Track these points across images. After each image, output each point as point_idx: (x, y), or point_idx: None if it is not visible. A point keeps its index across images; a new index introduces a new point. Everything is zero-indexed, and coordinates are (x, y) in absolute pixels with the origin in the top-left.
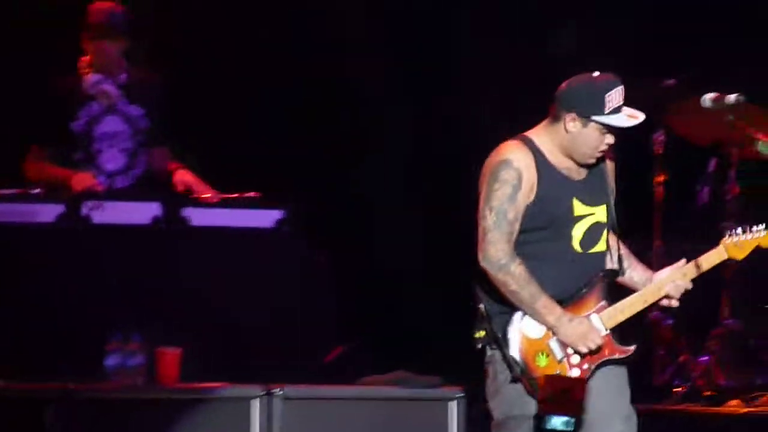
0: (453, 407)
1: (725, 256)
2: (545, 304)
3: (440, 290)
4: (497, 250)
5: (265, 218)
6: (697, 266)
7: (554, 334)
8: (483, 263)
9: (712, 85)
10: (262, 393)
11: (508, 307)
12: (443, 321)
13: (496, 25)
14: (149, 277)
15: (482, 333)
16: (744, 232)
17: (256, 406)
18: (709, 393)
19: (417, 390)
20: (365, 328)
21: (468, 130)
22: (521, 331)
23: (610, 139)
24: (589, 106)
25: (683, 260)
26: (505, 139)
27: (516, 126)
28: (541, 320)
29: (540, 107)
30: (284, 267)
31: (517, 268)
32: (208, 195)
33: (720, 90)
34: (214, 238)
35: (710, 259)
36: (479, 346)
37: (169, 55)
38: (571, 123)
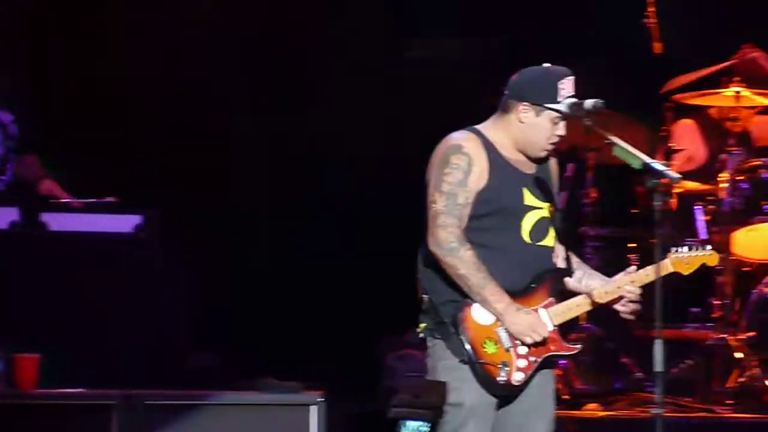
0: (314, 411)
1: (670, 270)
2: (494, 291)
3: (303, 296)
4: (448, 234)
5: (124, 223)
6: (646, 276)
7: (501, 322)
8: (432, 247)
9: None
10: (121, 399)
11: (458, 294)
12: (305, 326)
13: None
14: (7, 282)
15: (424, 324)
16: (690, 249)
17: (115, 413)
18: (566, 397)
19: (277, 395)
20: (225, 334)
21: (323, 138)
22: (470, 317)
23: (561, 129)
24: (542, 95)
25: (633, 267)
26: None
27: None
28: (488, 307)
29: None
30: (143, 272)
31: (467, 253)
32: (67, 200)
33: (577, 96)
34: (73, 243)
35: (656, 271)
36: (421, 336)
37: (28, 61)
38: (524, 113)
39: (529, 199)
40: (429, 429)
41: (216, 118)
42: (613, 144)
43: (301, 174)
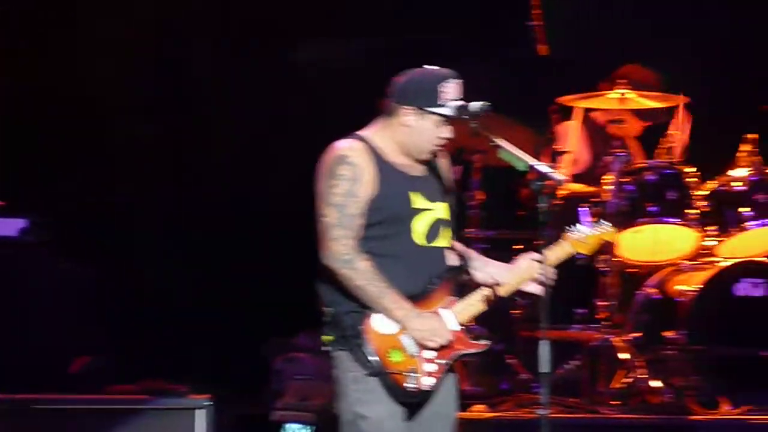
0: (200, 415)
1: (572, 251)
2: (393, 299)
3: (190, 299)
4: (341, 246)
5: (9, 227)
6: (545, 259)
7: (403, 329)
8: (326, 261)
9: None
10: (7, 404)
11: (359, 305)
12: (193, 329)
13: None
14: None
15: (329, 337)
16: (587, 227)
17: (1, 418)
18: None
19: (163, 399)
20: (113, 337)
21: (207, 140)
22: (372, 327)
23: (446, 132)
24: (424, 98)
25: (534, 254)
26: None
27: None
28: (389, 316)
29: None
30: (29, 276)
31: (362, 264)
32: None
33: (463, 98)
34: None
35: (557, 253)
36: (324, 348)
37: None
38: (406, 116)
39: (418, 201)
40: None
41: (105, 120)
42: (499, 146)
43: (190, 176)
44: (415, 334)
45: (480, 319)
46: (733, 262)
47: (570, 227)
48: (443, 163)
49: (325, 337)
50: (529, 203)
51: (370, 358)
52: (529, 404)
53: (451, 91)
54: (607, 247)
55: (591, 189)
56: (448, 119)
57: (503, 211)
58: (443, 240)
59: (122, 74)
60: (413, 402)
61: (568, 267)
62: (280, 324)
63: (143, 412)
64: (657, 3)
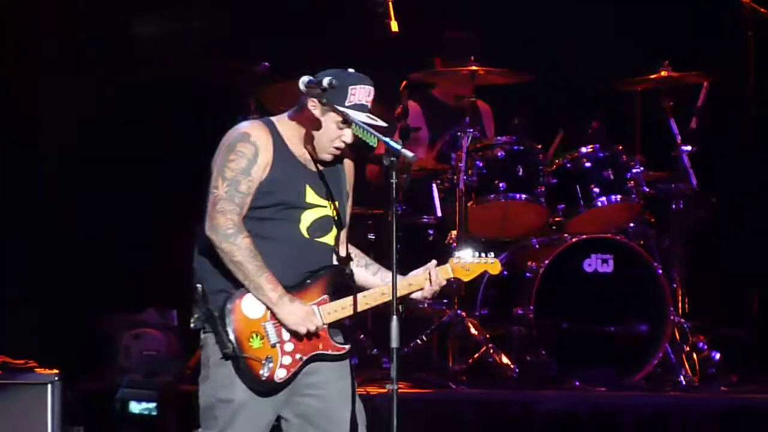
0: (50, 390)
1: (450, 275)
2: (269, 279)
3: (37, 273)
4: (226, 220)
5: None
6: (423, 278)
7: (273, 312)
8: (209, 232)
9: (306, 69)
10: None
11: (230, 284)
12: (39, 304)
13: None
14: None
15: (197, 315)
16: (473, 257)
17: None
18: None
19: (11, 374)
20: None
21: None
22: (240, 308)
23: (347, 136)
24: (331, 94)
25: (433, 262)
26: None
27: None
28: (262, 296)
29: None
30: None
31: (244, 240)
32: None
33: (312, 72)
34: None
35: (437, 274)
36: (192, 326)
37: None
38: (312, 108)
39: (310, 196)
40: (157, 407)
41: None
42: (351, 121)
43: (34, 157)
44: (285, 319)
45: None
46: (581, 238)
47: (456, 254)
48: (348, 165)
49: (194, 316)
50: (377, 180)
51: (230, 338)
52: (378, 379)
53: (360, 95)
54: (456, 222)
55: (441, 166)
56: (348, 121)
57: (356, 187)
58: (329, 238)
59: None
60: (264, 390)
61: (418, 242)
62: (127, 299)
63: None
64: None
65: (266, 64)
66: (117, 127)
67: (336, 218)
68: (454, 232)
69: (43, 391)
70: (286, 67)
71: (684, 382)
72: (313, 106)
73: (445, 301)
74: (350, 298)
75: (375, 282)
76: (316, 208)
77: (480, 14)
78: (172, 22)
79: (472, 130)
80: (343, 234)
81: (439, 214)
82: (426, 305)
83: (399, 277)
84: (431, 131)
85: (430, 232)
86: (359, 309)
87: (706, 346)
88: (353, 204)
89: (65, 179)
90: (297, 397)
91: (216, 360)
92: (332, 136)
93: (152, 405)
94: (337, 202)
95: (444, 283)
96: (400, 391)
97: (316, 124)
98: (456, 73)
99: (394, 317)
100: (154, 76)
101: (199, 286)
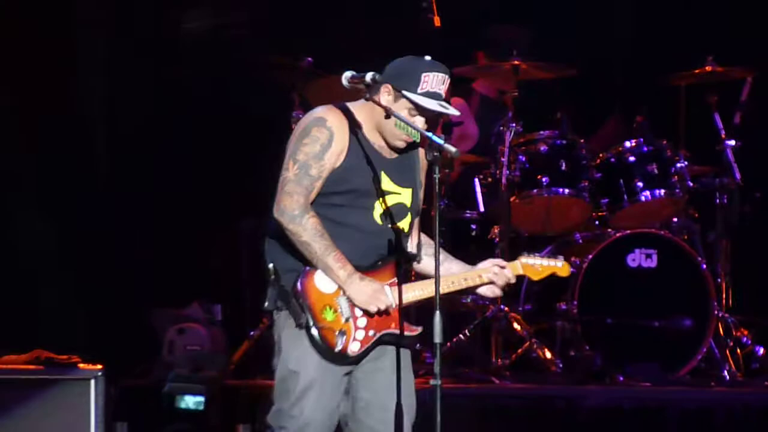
0: (93, 386)
1: (520, 272)
2: (337, 258)
3: (77, 268)
4: (292, 201)
5: None
6: (494, 274)
7: (343, 290)
8: (276, 214)
9: (349, 64)
10: None
11: (300, 264)
12: (81, 299)
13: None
14: None
15: (269, 294)
16: (543, 258)
17: None
18: None
19: (57, 369)
20: None
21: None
22: (313, 282)
23: (419, 122)
24: (403, 81)
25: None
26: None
27: None
28: (332, 275)
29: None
30: None
31: (310, 221)
32: None
33: (357, 69)
34: None
35: (506, 271)
36: (266, 306)
37: None
38: (385, 95)
39: (386, 184)
40: (204, 402)
41: None
42: (394, 117)
43: (69, 146)
44: (354, 297)
45: None
46: (625, 233)
47: (527, 253)
48: (422, 161)
49: (268, 295)
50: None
51: (305, 311)
52: (422, 374)
53: (433, 82)
54: (500, 217)
55: (483, 160)
56: (420, 109)
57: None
58: (403, 224)
59: None
60: (337, 363)
61: (462, 237)
62: (172, 294)
63: (37, 382)
64: None
65: (309, 59)
66: (161, 122)
67: (410, 205)
68: (497, 228)
69: (87, 386)
70: (329, 62)
71: (728, 377)
72: (386, 91)
73: None
74: (422, 283)
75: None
76: (391, 195)
77: (522, 8)
78: (215, 17)
79: (514, 124)
80: (416, 221)
81: (482, 209)
82: (469, 300)
83: (468, 268)
84: (475, 128)
85: (473, 227)
86: (427, 296)
87: (750, 341)
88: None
89: (111, 175)
90: (360, 381)
91: (289, 333)
92: (396, 127)
93: (200, 399)
94: (411, 189)
95: (513, 279)
96: (443, 386)
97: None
98: (499, 68)
99: (437, 312)
100: (198, 71)
101: (271, 265)
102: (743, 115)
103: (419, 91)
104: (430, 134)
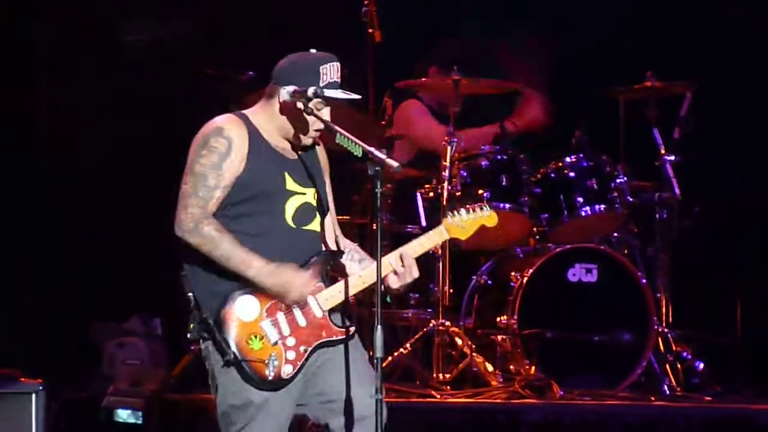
0: (33, 400)
1: (446, 237)
2: (241, 259)
3: (19, 282)
4: (188, 214)
5: None
6: (420, 246)
7: (266, 314)
8: (176, 230)
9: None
10: None
11: (219, 286)
12: (21, 313)
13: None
14: None
15: (192, 325)
16: (467, 212)
17: None
18: None
19: None
20: None
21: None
22: (234, 313)
23: (325, 115)
24: (304, 79)
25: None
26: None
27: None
28: (245, 275)
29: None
30: None
31: (207, 228)
32: None
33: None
34: None
35: (432, 238)
36: (189, 336)
37: None
38: (286, 97)
39: (290, 184)
40: (143, 416)
41: None
42: (335, 132)
43: (12, 156)
44: (272, 291)
45: None
46: (565, 248)
47: (450, 211)
48: (320, 151)
49: (190, 326)
50: (364, 188)
51: (231, 346)
52: None
53: (331, 73)
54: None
55: (425, 174)
56: (327, 101)
57: (341, 196)
58: (315, 224)
59: None
60: (272, 389)
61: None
62: (112, 307)
63: None
64: None
65: (251, 72)
66: (103, 132)
67: (318, 204)
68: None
69: (28, 400)
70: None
71: (668, 392)
72: (287, 92)
73: (429, 310)
74: (343, 283)
75: (353, 269)
76: (297, 195)
77: (465, 22)
78: (160, 29)
79: (456, 139)
80: (328, 220)
81: (424, 223)
82: (410, 314)
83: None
84: (425, 138)
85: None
86: (358, 289)
87: (690, 356)
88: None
89: (51, 184)
90: (313, 378)
91: (220, 368)
92: (312, 119)
93: (138, 414)
94: (317, 188)
95: (413, 263)
96: (384, 400)
97: (295, 113)
98: (441, 83)
99: (378, 326)
100: (143, 78)
101: (190, 294)
102: (682, 130)
103: (322, 84)
104: (372, 149)
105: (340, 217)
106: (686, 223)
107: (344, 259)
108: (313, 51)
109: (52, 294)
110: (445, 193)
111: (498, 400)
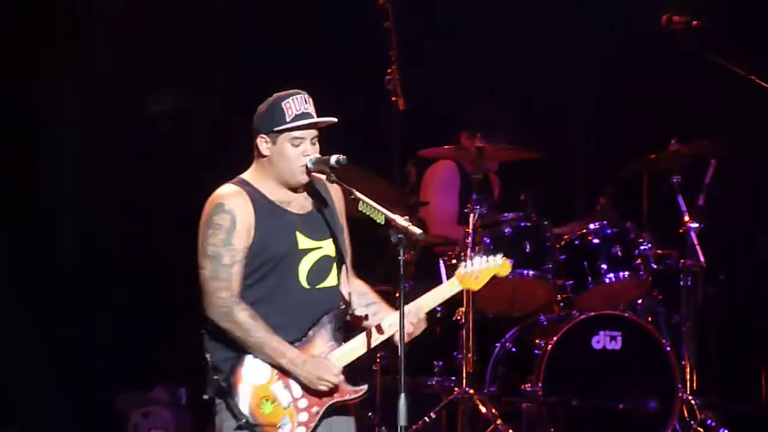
0: None
1: (460, 288)
2: (273, 348)
3: (42, 345)
4: (218, 299)
5: None
6: (433, 299)
7: (277, 377)
8: (208, 314)
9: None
10: None
11: (233, 353)
12: (44, 377)
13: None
14: None
15: (209, 385)
16: (480, 262)
17: None
18: None
19: None
20: None
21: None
22: (245, 378)
23: (308, 149)
24: (272, 121)
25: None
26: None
27: None
28: (275, 364)
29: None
30: None
31: (241, 314)
32: None
33: (322, 152)
34: None
35: (443, 292)
36: (205, 397)
37: None
38: (264, 145)
39: (303, 242)
40: None
41: None
42: (358, 199)
43: (40, 225)
44: (303, 381)
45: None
46: (589, 315)
47: (464, 261)
48: (334, 192)
49: (207, 386)
50: (389, 255)
51: (243, 410)
52: None
53: (295, 105)
54: (464, 299)
55: (448, 240)
56: (298, 129)
57: (364, 263)
58: (331, 280)
59: None
60: None
61: (427, 318)
62: (136, 377)
63: None
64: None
65: None
66: (127, 194)
67: (334, 255)
68: (462, 309)
69: None
70: None
71: None
72: (262, 141)
73: (453, 378)
74: (360, 337)
75: (372, 323)
76: (311, 252)
77: (481, 88)
78: (182, 99)
79: (478, 207)
80: (346, 269)
81: None
82: (434, 382)
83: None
84: (450, 204)
85: (438, 308)
86: (373, 345)
87: (714, 423)
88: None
89: (76, 251)
90: None
91: (230, 426)
92: (295, 156)
93: None
94: (331, 239)
95: (422, 318)
96: None
97: (275, 157)
98: (463, 151)
99: (402, 395)
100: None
101: (207, 356)
102: (707, 197)
103: (288, 119)
104: (394, 216)
105: None
106: (711, 290)
107: (358, 311)
108: (276, 94)
109: (78, 363)
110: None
111: None
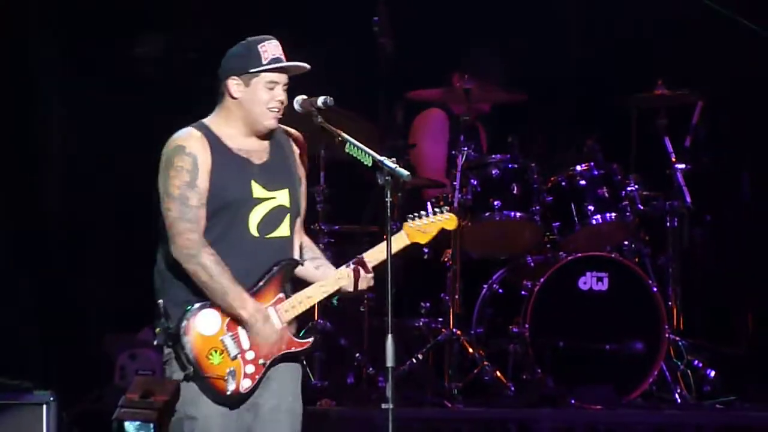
0: (45, 411)
1: (407, 242)
2: (235, 297)
3: (30, 293)
4: (186, 240)
5: None
6: (380, 252)
7: (227, 327)
8: (174, 255)
9: (299, 88)
10: None
11: (190, 296)
12: (33, 324)
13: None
14: None
15: (158, 331)
16: (427, 216)
17: None
18: None
19: (8, 395)
20: None
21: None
22: (194, 328)
23: (280, 94)
24: (246, 62)
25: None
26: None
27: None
28: (234, 313)
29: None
30: None
31: (208, 258)
32: None
33: (307, 92)
34: None
35: (393, 244)
36: (156, 342)
37: None
38: (235, 87)
39: (258, 191)
40: (154, 427)
41: None
42: (345, 141)
43: (25, 170)
44: (256, 338)
45: (325, 314)
46: (576, 256)
47: (411, 216)
48: (296, 151)
49: (156, 330)
50: (375, 197)
51: (190, 361)
52: (375, 398)
53: (270, 50)
54: (452, 240)
55: (435, 182)
56: (275, 72)
57: (350, 205)
58: (283, 230)
59: None
60: (232, 403)
61: (413, 260)
62: (124, 319)
63: None
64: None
65: None
66: (115, 139)
67: (289, 206)
68: (449, 251)
69: (39, 411)
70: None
71: (679, 400)
72: (234, 83)
73: (440, 319)
74: (307, 291)
75: (316, 276)
76: (265, 201)
77: (473, 32)
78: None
79: (466, 148)
80: (298, 222)
81: None
82: (421, 324)
83: (329, 272)
84: (438, 147)
85: (425, 250)
86: (317, 300)
87: (701, 364)
88: (344, 220)
89: (63, 195)
90: (258, 400)
91: (180, 377)
92: (266, 99)
93: (149, 426)
94: (288, 190)
95: (370, 282)
96: (396, 409)
97: (245, 100)
98: (452, 92)
99: (389, 336)
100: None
101: (160, 302)
102: (694, 138)
103: (264, 62)
104: (382, 158)
105: (349, 227)
106: (697, 231)
107: (305, 265)
108: (249, 39)
109: (65, 306)
110: (456, 202)
111: (509, 409)
